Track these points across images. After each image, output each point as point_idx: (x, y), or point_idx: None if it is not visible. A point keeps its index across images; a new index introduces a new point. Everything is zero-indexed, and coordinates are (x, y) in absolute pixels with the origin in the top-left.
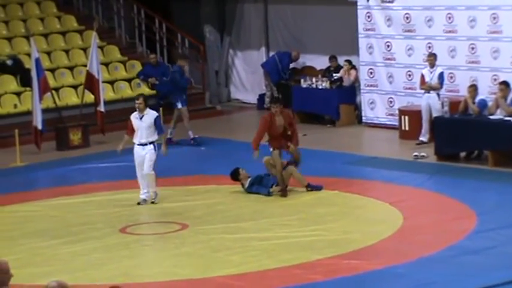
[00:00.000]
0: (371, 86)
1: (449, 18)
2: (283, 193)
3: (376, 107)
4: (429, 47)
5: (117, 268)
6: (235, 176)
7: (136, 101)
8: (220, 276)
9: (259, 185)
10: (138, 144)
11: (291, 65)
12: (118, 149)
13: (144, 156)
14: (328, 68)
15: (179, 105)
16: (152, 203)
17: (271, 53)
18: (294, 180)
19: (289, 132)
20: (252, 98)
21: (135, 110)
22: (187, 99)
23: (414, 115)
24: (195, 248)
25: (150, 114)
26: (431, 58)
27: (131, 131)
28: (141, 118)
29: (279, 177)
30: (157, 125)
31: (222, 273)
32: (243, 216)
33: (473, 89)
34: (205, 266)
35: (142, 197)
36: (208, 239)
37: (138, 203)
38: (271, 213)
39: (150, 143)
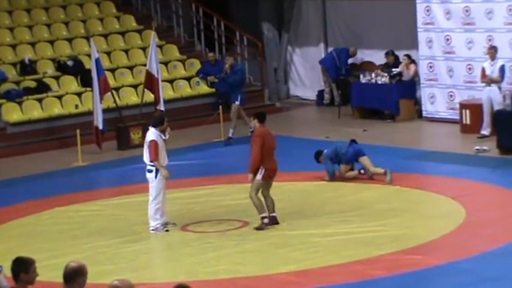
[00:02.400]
0: (431, 80)
1: (510, 10)
2: (260, 226)
3: (436, 101)
4: (489, 40)
5: (179, 266)
6: (316, 156)
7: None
8: (282, 273)
9: (332, 162)
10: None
11: (350, 61)
12: (165, 175)
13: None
14: (387, 63)
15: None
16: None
17: (330, 49)
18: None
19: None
20: (311, 95)
21: (199, 108)
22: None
23: (475, 109)
24: (256, 245)
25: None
26: (492, 51)
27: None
28: (164, 139)
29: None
30: None
31: (283, 270)
32: (304, 213)
33: None
34: (267, 263)
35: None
36: (269, 235)
37: (167, 230)
38: (332, 210)
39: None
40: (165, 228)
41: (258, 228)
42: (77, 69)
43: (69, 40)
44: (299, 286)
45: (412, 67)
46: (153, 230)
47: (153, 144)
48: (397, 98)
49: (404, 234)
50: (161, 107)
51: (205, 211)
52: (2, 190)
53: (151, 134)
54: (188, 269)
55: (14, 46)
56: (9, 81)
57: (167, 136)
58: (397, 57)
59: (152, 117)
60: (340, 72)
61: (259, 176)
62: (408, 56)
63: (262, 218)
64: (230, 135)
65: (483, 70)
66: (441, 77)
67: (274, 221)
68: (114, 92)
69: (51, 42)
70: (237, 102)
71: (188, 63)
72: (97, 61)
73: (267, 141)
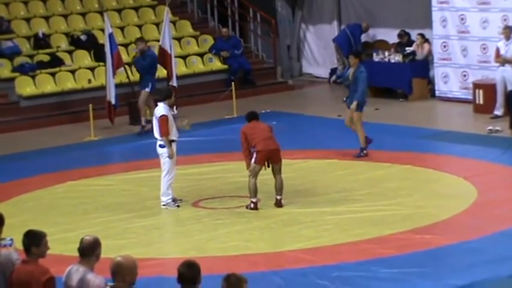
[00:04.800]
0: (444, 59)
1: None
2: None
3: (449, 80)
4: (504, 20)
5: (190, 242)
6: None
7: (173, 96)
8: (292, 250)
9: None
10: (173, 140)
11: (363, 39)
12: (172, 155)
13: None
14: (400, 41)
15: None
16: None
17: (343, 27)
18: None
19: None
20: (324, 72)
21: (212, 84)
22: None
23: (489, 89)
24: (267, 222)
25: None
26: (507, 31)
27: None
28: (173, 114)
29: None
30: None
31: (294, 248)
32: (315, 191)
33: None
34: (278, 240)
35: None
36: (280, 213)
37: (178, 205)
38: (343, 188)
39: None
40: (176, 204)
41: (247, 207)
42: (91, 44)
43: (83, 14)
44: (309, 264)
45: (426, 46)
46: (164, 205)
47: (164, 119)
48: (410, 77)
49: (415, 214)
50: (174, 82)
51: (217, 187)
52: (14, 163)
53: (161, 108)
54: (198, 245)
55: (28, 20)
56: (22, 54)
57: (176, 111)
58: (410, 36)
59: (159, 92)
60: (354, 49)
61: (253, 160)
62: (422, 35)
63: (251, 202)
64: (143, 123)
65: (497, 50)
66: (455, 57)
67: (278, 204)
68: (127, 67)
69: (65, 17)
70: (147, 89)
71: (201, 40)
72: (110, 36)
73: (248, 131)
